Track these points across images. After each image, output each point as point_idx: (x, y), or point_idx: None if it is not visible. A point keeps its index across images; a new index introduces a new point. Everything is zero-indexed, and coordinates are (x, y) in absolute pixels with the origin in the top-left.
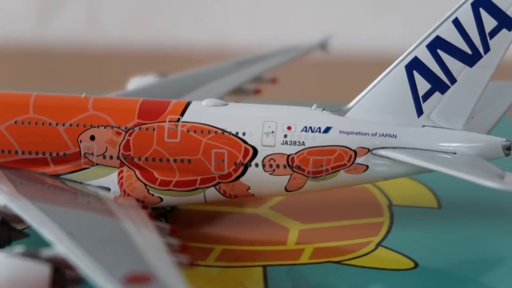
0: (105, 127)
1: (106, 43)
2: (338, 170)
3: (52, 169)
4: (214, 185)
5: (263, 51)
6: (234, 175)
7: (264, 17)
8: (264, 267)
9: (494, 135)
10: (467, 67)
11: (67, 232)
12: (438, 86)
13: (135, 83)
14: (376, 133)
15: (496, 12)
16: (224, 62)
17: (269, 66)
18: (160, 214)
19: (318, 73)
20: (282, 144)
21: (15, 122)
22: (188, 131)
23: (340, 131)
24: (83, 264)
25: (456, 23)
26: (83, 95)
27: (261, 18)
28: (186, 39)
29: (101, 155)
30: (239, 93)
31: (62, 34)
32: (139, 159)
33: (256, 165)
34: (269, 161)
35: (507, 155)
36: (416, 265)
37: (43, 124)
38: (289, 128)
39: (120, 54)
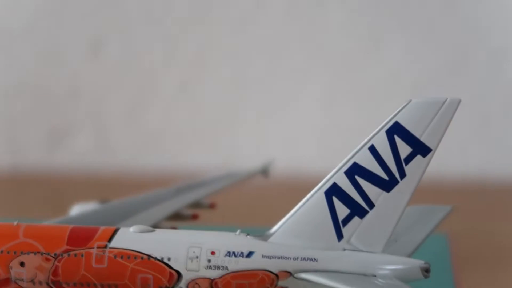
0: (35, 254)
1: (116, 169)
2: None
3: None
4: None
5: (204, 177)
6: None
7: (272, 144)
8: None
9: (422, 252)
10: (384, 192)
11: None
12: (357, 211)
13: (77, 209)
14: (297, 257)
15: (410, 139)
16: (165, 188)
17: (209, 192)
18: None
19: (259, 198)
20: (206, 268)
21: None
22: (115, 257)
23: (262, 255)
24: None
25: (372, 150)
26: (15, 223)
27: (270, 145)
28: (196, 165)
29: (30, 281)
30: (177, 218)
31: (71, 162)
32: (68, 284)
33: None
34: (193, 285)
35: (426, 277)
36: None
37: None
38: (212, 253)
39: (129, 181)
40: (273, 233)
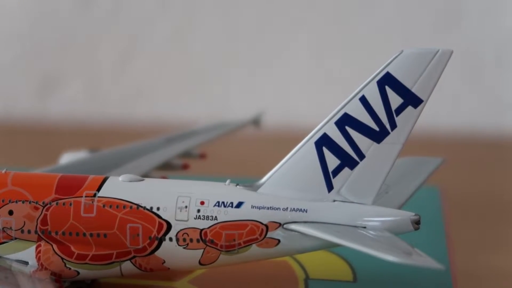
0: (23, 202)
1: (106, 119)
2: (250, 244)
3: None
4: (130, 259)
5: (195, 127)
6: (149, 249)
7: (264, 96)
8: None
9: (413, 204)
10: (375, 143)
11: None
12: (347, 162)
13: (66, 158)
14: (287, 208)
15: (401, 90)
16: (155, 138)
17: (200, 142)
18: (79, 287)
19: (250, 148)
20: (195, 218)
21: None
22: (104, 206)
23: (252, 206)
24: None
25: (363, 100)
26: (3, 171)
27: (261, 97)
28: (187, 115)
29: (19, 229)
30: (167, 168)
31: (62, 110)
32: (56, 233)
33: (170, 239)
34: (182, 235)
35: (416, 229)
36: None
37: None
38: (202, 203)
39: (119, 131)
40: (263, 184)
